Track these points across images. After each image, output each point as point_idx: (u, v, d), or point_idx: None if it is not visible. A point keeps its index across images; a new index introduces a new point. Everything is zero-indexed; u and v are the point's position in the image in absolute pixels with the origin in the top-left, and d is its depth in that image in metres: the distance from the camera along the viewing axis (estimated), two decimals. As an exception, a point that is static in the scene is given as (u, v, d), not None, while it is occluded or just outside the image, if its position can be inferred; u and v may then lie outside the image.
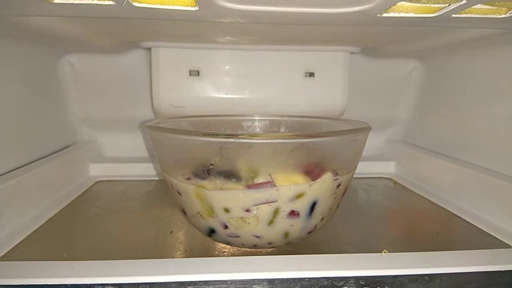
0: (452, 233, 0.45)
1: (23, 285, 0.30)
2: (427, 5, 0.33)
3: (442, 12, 0.34)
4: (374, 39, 0.55)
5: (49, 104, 0.60)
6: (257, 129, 0.51)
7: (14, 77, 0.50)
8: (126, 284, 0.30)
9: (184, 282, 0.30)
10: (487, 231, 0.43)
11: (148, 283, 0.30)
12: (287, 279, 0.31)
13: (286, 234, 0.35)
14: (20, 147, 0.50)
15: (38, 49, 0.55)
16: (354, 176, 0.40)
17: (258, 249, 0.37)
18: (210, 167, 0.33)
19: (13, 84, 0.49)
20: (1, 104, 0.47)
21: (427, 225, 0.46)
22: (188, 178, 0.35)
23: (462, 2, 0.31)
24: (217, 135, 0.32)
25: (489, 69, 0.52)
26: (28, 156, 0.51)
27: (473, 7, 0.33)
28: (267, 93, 0.66)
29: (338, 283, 0.31)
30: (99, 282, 0.30)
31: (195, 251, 0.39)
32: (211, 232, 0.36)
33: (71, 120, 0.67)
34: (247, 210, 0.33)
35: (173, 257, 0.37)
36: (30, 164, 0.50)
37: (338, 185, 0.36)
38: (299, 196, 0.33)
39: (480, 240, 0.41)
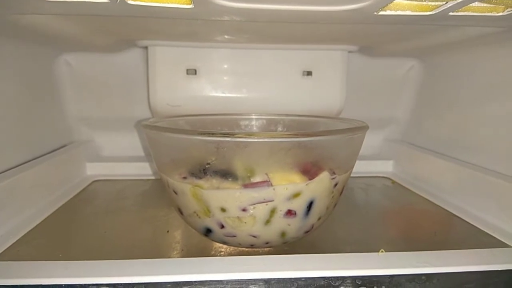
0: (450, 232, 0.45)
1: (18, 285, 0.29)
2: (424, 3, 0.33)
3: (439, 10, 0.34)
4: (372, 37, 0.55)
5: (46, 103, 0.60)
6: (255, 128, 0.51)
7: (10, 76, 0.49)
8: (121, 284, 0.29)
9: (179, 282, 0.30)
10: (485, 230, 0.42)
11: (143, 283, 0.29)
12: (284, 279, 0.31)
13: (283, 234, 0.35)
14: (16, 146, 0.50)
15: (34, 48, 0.55)
16: (352, 175, 0.40)
17: (254, 249, 0.37)
18: (207, 166, 0.33)
19: (9, 83, 0.49)
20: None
21: (425, 225, 0.46)
22: (185, 177, 0.35)
23: (459, 0, 0.31)
24: (213, 134, 0.32)
25: (487, 68, 0.51)
26: (25, 155, 0.51)
27: (471, 5, 0.33)
28: (264, 92, 0.66)
29: (335, 283, 0.30)
30: (94, 282, 0.29)
31: (191, 251, 0.38)
32: (208, 231, 0.36)
33: (68, 119, 0.67)
34: (244, 210, 0.33)
35: (169, 256, 0.37)
36: (27, 163, 0.49)
37: (335, 184, 0.36)
38: (296, 195, 0.33)
39: (478, 239, 0.41)
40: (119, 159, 0.67)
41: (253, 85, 0.65)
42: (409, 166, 0.65)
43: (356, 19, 0.38)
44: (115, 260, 0.32)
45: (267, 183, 0.33)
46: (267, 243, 0.36)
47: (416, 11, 0.34)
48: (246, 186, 0.33)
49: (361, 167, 0.64)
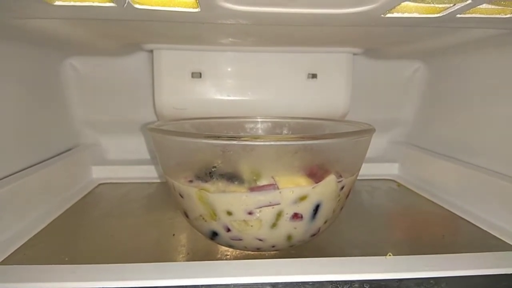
0: (457, 235, 0.44)
1: (24, 289, 0.29)
2: (432, 5, 0.33)
3: (447, 12, 0.33)
4: (377, 40, 0.55)
5: (52, 107, 0.60)
6: (260, 131, 0.51)
7: (17, 80, 0.49)
8: (126, 288, 0.29)
9: (185, 286, 0.30)
10: (492, 233, 0.42)
11: (149, 287, 0.29)
12: (291, 282, 0.30)
13: (289, 237, 0.35)
14: (22, 149, 0.50)
15: (40, 51, 0.55)
16: (358, 178, 0.39)
17: (261, 252, 0.37)
18: (213, 169, 0.33)
19: (15, 87, 0.49)
20: (4, 107, 0.47)
21: (432, 228, 0.46)
22: (191, 181, 0.35)
23: (467, 2, 0.31)
24: (219, 137, 0.32)
25: (493, 70, 0.51)
26: (31, 158, 0.51)
27: (478, 7, 0.33)
28: (269, 94, 0.66)
29: (343, 287, 0.30)
30: (101, 286, 0.29)
31: (197, 254, 0.38)
32: (214, 235, 0.36)
33: (74, 123, 0.67)
34: (250, 213, 0.33)
35: (175, 260, 0.37)
36: (32, 166, 0.49)
37: (342, 188, 0.35)
38: (302, 198, 0.33)
39: (486, 242, 0.41)
40: (125, 162, 0.67)
41: (258, 88, 0.65)
42: (415, 169, 0.64)
43: (363, 21, 0.38)
44: (120, 264, 0.32)
45: (273, 186, 0.32)
46: (273, 246, 0.35)
47: (423, 13, 0.34)
48: (252, 189, 0.32)
49: (366, 170, 0.63)
